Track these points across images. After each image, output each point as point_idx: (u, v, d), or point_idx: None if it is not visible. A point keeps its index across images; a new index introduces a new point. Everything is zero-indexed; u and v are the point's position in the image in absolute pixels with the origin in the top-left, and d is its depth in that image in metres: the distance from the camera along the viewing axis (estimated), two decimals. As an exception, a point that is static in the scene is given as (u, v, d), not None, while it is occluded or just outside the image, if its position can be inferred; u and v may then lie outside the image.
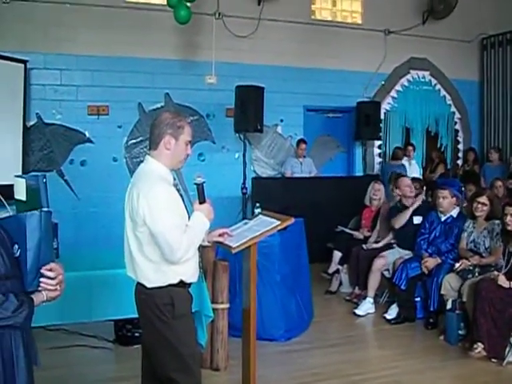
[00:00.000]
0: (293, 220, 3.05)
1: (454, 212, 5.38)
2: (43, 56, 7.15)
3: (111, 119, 7.58)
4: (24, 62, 6.79)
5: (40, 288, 2.02)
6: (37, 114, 7.21)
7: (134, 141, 7.74)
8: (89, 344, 4.52)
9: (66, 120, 7.36)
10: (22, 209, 2.04)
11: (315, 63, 8.59)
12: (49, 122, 7.29)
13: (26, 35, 6.94)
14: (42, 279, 2.01)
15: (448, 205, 5.33)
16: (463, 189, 5.88)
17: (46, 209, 2.02)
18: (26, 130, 7.00)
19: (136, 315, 2.77)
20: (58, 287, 2.06)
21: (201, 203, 2.71)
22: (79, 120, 7.43)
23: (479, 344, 4.33)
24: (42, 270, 2.01)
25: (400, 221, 5.70)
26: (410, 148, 8.96)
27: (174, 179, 2.76)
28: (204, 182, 2.74)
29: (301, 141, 8.22)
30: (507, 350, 4.26)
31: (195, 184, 2.74)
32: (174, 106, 7.78)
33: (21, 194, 2.06)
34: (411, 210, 5.67)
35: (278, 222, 3.00)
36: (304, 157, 8.26)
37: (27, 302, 1.95)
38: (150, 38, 7.59)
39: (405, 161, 8.71)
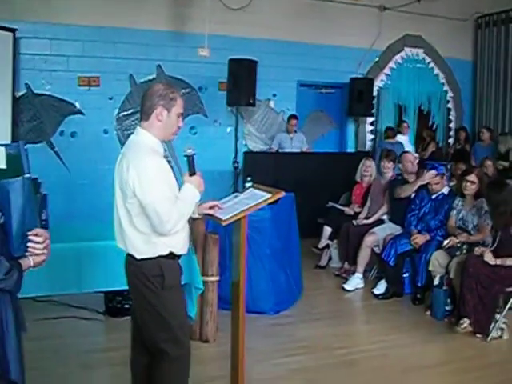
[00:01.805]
0: (283, 193, 3.02)
1: (445, 189, 5.44)
2: (33, 25, 6.99)
3: (102, 91, 7.48)
4: (13, 30, 6.65)
5: (27, 253, 2.03)
6: (26, 84, 7.09)
7: (125, 113, 7.66)
8: (79, 315, 4.53)
9: (56, 91, 7.25)
10: (3, 177, 2.01)
11: (309, 38, 8.50)
12: (38, 93, 7.17)
13: (15, 3, 6.77)
14: (29, 244, 2.02)
15: (440, 186, 5.42)
16: (449, 167, 5.91)
17: (28, 175, 2.00)
18: (15, 100, 6.89)
19: (126, 287, 2.78)
20: (44, 251, 2.07)
21: (191, 175, 2.70)
22: (70, 91, 7.32)
23: (465, 319, 4.39)
24: (29, 236, 2.01)
25: (407, 191, 5.65)
26: (405, 125, 8.88)
27: (165, 151, 2.73)
28: (194, 154, 2.72)
29: (291, 116, 8.18)
30: (492, 325, 4.34)
31: (185, 156, 2.72)
32: (166, 78, 7.68)
33: (1, 162, 2.03)
34: (420, 183, 5.55)
35: (269, 195, 2.97)
36: (295, 132, 8.23)
37: (16, 267, 1.96)
38: (143, 9, 7.46)
39: (400, 138, 8.63)
